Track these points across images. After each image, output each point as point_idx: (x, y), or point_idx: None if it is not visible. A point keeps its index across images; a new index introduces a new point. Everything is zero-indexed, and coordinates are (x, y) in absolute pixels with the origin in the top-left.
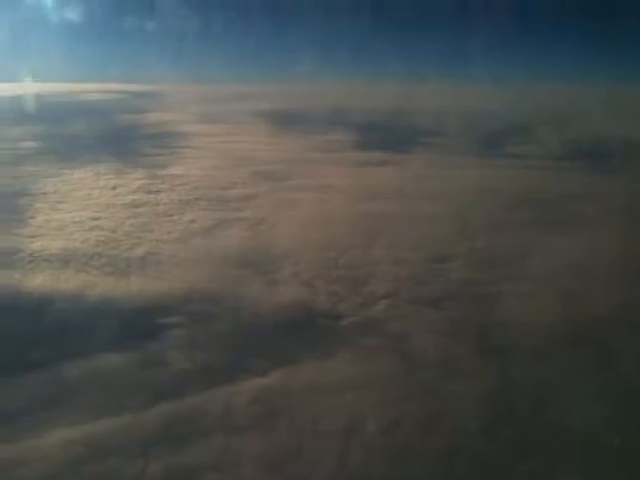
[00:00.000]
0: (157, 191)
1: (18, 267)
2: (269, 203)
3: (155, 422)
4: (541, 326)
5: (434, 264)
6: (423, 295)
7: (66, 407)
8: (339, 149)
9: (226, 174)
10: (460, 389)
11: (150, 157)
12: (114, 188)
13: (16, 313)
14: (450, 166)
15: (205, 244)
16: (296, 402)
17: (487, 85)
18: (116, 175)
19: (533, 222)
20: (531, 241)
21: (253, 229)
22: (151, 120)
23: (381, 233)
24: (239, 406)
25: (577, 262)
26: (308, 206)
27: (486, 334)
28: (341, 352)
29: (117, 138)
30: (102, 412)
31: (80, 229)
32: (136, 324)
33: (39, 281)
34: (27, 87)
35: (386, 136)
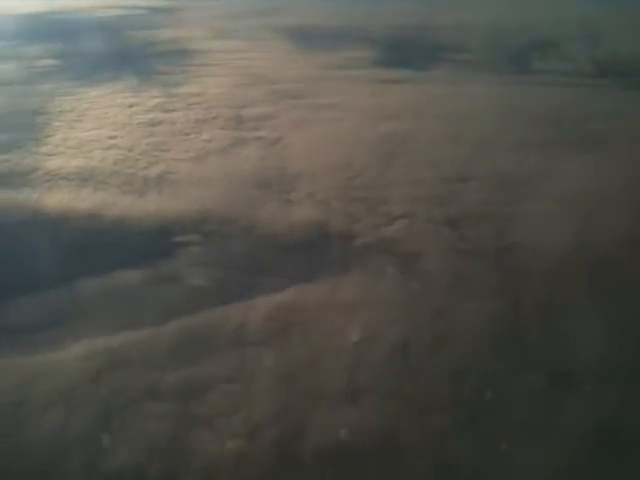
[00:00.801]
0: (174, 110)
1: (36, 186)
2: (286, 122)
3: (172, 336)
4: (557, 247)
5: (452, 184)
6: (440, 215)
7: (85, 322)
8: (360, 66)
9: (243, 92)
10: (472, 308)
11: (167, 75)
12: (131, 106)
13: (35, 231)
14: (473, 83)
15: (221, 163)
16: (309, 319)
17: None
18: (133, 93)
19: (557, 141)
20: (554, 161)
21: (270, 148)
22: (168, 37)
23: (399, 153)
24: (253, 322)
25: (599, 183)
26: (326, 125)
27: (502, 254)
28: (355, 271)
29: (133, 55)
30: (120, 327)
31: (97, 147)
32: (153, 242)
33: (57, 200)
34: (42, 4)
35: (408, 53)
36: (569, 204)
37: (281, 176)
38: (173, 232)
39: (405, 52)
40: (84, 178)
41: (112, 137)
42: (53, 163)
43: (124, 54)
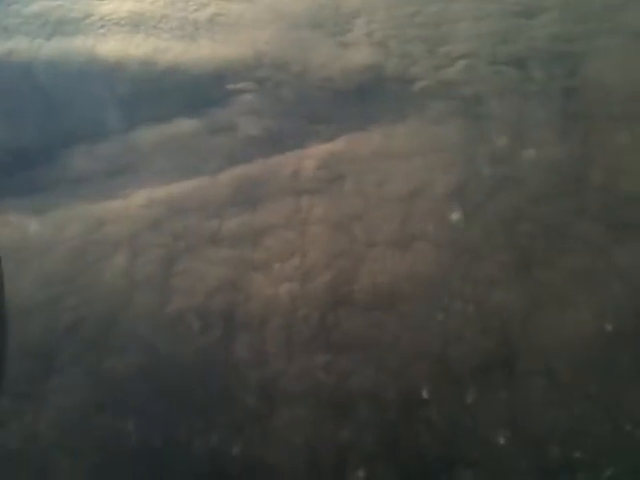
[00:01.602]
0: None
1: (90, 32)
2: None
3: (228, 184)
4: (633, 89)
5: (520, 19)
6: (505, 54)
7: (144, 171)
8: None
9: None
10: (533, 155)
11: None
12: None
13: (91, 80)
14: None
15: (274, 4)
16: (363, 167)
17: None
18: None
19: None
20: None
21: None
22: None
23: None
24: (307, 171)
25: None
26: None
27: (570, 96)
28: (411, 117)
29: None
30: (178, 175)
31: None
32: (206, 90)
33: (111, 47)
34: None
35: None
36: None
37: (336, 16)
38: (226, 79)
39: None
40: (136, 23)
41: None
42: (105, 8)
43: None
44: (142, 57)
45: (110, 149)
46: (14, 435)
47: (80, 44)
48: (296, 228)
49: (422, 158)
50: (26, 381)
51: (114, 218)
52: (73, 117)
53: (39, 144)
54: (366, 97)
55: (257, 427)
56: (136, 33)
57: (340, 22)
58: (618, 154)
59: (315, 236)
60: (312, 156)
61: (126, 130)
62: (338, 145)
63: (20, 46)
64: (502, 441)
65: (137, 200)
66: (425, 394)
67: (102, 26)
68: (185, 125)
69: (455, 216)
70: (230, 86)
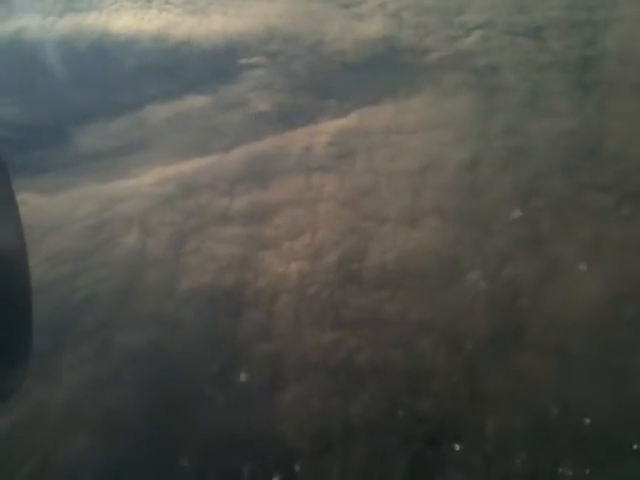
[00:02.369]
0: None
1: (103, 8)
2: None
3: (239, 162)
4: None
5: None
6: (521, 24)
7: (156, 149)
8: None
9: None
10: (547, 127)
11: None
12: None
13: (103, 55)
14: None
15: None
16: (375, 142)
17: None
18: None
19: None
20: None
21: None
22: None
23: None
24: (318, 147)
25: None
26: None
27: (586, 67)
28: (425, 90)
29: None
30: (190, 153)
31: None
32: (218, 65)
33: (124, 22)
34: None
35: None
36: None
37: None
38: (237, 53)
39: None
40: None
41: None
42: None
43: None
44: (154, 32)
45: (122, 126)
46: (26, 411)
47: (93, 21)
48: (306, 206)
49: (434, 132)
50: (39, 358)
51: (126, 197)
52: (85, 94)
53: (52, 122)
54: (379, 70)
55: (265, 400)
56: (148, 9)
57: None
58: (633, 123)
59: (325, 213)
60: (323, 132)
61: (137, 107)
62: (350, 120)
63: (33, 24)
64: (509, 413)
65: (149, 178)
66: (433, 369)
67: (115, 2)
68: (196, 101)
69: (466, 191)
70: (242, 61)
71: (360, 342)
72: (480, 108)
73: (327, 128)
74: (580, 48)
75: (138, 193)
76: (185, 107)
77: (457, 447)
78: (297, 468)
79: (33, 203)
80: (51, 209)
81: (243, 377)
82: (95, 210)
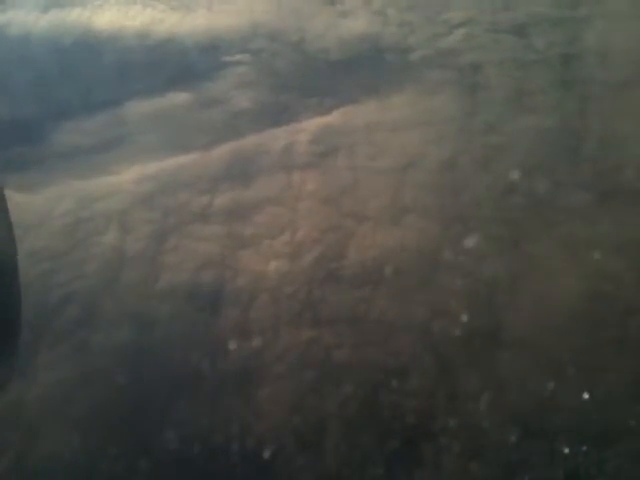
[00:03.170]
0: None
1: (87, 4)
2: None
3: (220, 160)
4: (630, 56)
5: None
6: (505, 21)
7: (136, 146)
8: None
9: None
10: (529, 125)
11: None
12: None
13: (85, 52)
14: None
15: None
16: (357, 141)
17: None
18: None
19: None
20: None
21: None
22: None
23: None
24: (300, 145)
25: None
26: None
27: (570, 65)
28: (408, 88)
29: None
30: (170, 150)
31: None
32: (201, 61)
33: (107, 19)
34: None
35: None
36: None
37: None
38: (221, 50)
39: None
40: None
41: None
42: None
43: None
44: (137, 28)
45: (102, 123)
46: (4, 408)
47: (76, 17)
48: (287, 204)
49: (416, 130)
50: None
51: (105, 194)
52: (66, 90)
53: (33, 117)
54: (362, 67)
55: (242, 398)
56: (133, 4)
57: None
58: (613, 122)
59: (306, 211)
60: (305, 130)
61: (118, 103)
62: (332, 118)
63: (16, 19)
64: (484, 410)
65: (128, 176)
66: (409, 367)
67: None
68: (177, 98)
69: (447, 189)
70: (225, 58)
71: (338, 340)
72: (462, 106)
73: (309, 126)
74: (564, 45)
75: (118, 190)
76: (166, 104)
77: (434, 446)
78: (268, 466)
79: (12, 201)
80: (30, 207)
81: (218, 374)
82: (74, 208)
